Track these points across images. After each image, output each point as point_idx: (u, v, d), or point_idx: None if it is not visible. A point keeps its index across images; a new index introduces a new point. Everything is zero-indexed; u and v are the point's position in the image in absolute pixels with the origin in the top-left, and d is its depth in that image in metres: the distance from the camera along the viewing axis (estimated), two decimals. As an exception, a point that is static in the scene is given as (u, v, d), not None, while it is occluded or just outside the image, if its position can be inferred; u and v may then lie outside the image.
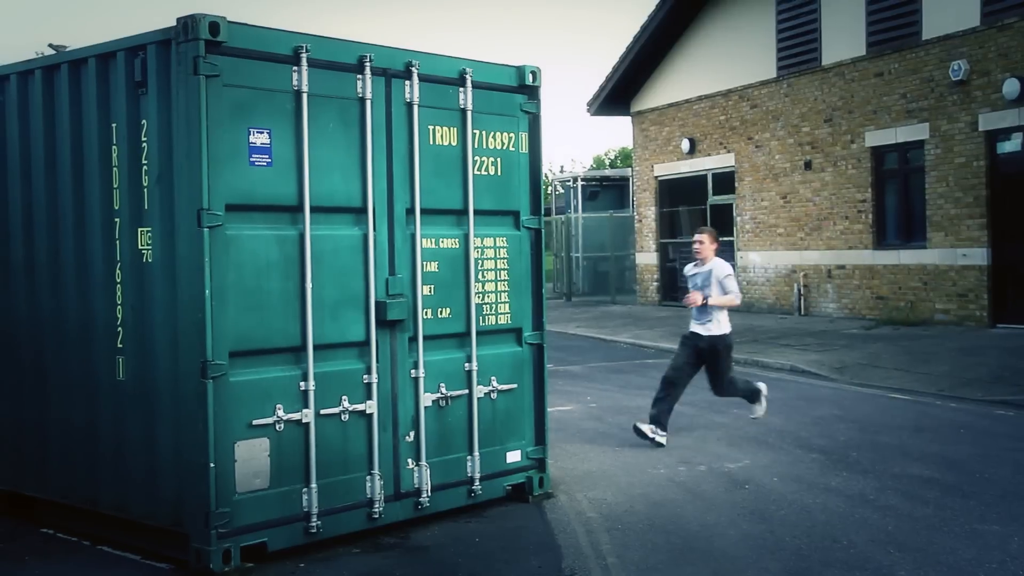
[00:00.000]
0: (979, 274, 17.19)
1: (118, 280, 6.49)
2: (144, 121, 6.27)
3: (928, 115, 18.04)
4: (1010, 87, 16.41)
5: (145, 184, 6.29)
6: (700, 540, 6.62)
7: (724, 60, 22.82)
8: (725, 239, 23.15)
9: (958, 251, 17.51)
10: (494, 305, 7.43)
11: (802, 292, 20.86)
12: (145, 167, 6.28)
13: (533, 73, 7.62)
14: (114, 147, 6.47)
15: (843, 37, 19.76)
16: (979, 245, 17.16)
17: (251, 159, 6.12)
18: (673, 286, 25.16)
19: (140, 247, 6.34)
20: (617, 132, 74.54)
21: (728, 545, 6.51)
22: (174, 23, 6.01)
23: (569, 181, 32.51)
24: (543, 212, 7.74)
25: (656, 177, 25.35)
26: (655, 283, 25.48)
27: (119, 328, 6.49)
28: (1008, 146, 16.92)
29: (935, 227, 17.95)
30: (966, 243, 17.39)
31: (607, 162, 54.64)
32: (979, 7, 17.09)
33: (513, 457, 7.52)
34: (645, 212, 25.77)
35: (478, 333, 7.28)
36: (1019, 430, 10.04)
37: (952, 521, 6.90)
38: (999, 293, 17.05)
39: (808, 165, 20.70)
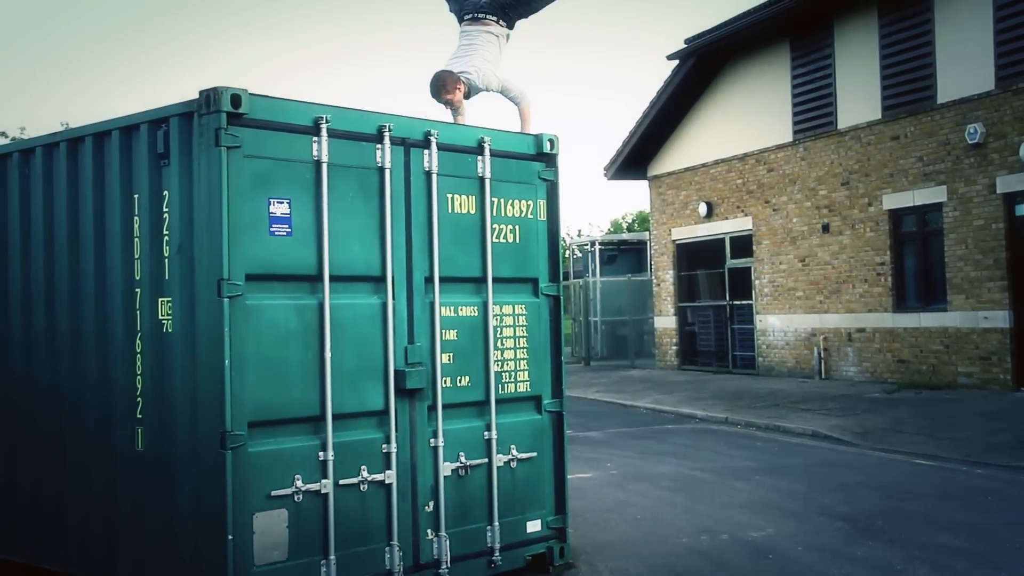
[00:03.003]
0: (1002, 337, 17.05)
1: (138, 350, 6.51)
2: (166, 192, 6.33)
3: (945, 178, 18.06)
4: (1027, 150, 16.45)
5: (166, 254, 6.33)
6: (724, 612, 6.51)
7: (740, 124, 22.97)
8: (744, 303, 23.17)
9: (979, 314, 17.40)
10: (513, 373, 7.40)
11: (822, 356, 20.73)
12: (166, 237, 6.33)
13: (551, 141, 7.68)
14: (136, 218, 6.52)
15: (858, 101, 19.88)
16: (1000, 308, 17.05)
17: (271, 229, 6.15)
18: (693, 350, 25.08)
19: (160, 317, 6.36)
20: (634, 196, 75.07)
21: (753, 617, 6.40)
22: (196, 95, 6.09)
23: (587, 245, 32.57)
24: (562, 278, 7.75)
25: (674, 241, 25.39)
26: (674, 347, 25.39)
27: (138, 398, 6.49)
28: (1027, 208, 16.91)
29: (955, 289, 17.86)
30: (987, 306, 17.28)
31: (624, 226, 54.81)
32: (994, 71, 17.18)
33: (533, 527, 7.43)
34: (663, 276, 25.78)
35: (497, 401, 7.24)
36: (1047, 497, 9.88)
37: (982, 592, 6.77)
38: (1023, 356, 16.89)
39: (826, 228, 20.70)
